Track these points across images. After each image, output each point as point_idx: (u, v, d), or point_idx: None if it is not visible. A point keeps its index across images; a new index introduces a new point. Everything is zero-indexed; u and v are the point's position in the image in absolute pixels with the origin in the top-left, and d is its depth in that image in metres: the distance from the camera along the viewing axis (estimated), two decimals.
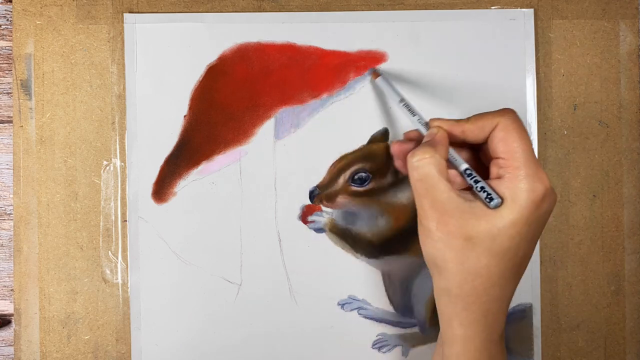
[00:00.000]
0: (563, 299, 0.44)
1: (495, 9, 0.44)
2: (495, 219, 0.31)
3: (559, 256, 0.44)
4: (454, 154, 0.35)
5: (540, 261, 0.44)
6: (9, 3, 0.45)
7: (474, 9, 0.44)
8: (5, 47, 0.45)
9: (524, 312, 0.44)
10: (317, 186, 0.44)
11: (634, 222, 0.44)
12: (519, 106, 0.44)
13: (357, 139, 0.44)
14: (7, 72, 0.45)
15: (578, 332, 0.44)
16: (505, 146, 0.32)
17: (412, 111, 0.38)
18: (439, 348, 0.36)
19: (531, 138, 0.44)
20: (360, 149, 0.44)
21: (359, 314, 0.44)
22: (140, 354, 0.43)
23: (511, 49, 0.44)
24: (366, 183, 0.44)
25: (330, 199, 0.43)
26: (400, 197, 0.44)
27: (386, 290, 0.44)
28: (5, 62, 0.45)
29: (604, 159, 0.44)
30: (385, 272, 0.44)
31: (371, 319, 0.44)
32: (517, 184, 0.32)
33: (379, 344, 0.44)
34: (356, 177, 0.44)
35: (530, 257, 0.34)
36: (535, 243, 0.33)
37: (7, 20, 0.45)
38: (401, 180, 0.44)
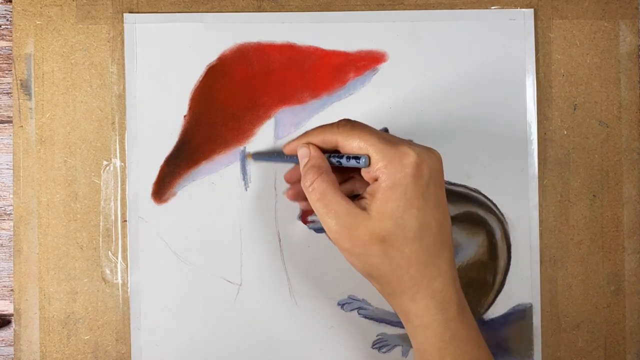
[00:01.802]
0: (563, 299, 0.44)
1: (495, 9, 0.44)
2: (394, 210, 0.33)
3: (559, 256, 0.44)
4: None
5: (540, 261, 0.44)
6: (9, 3, 0.45)
7: (474, 9, 0.44)
8: (5, 47, 0.45)
9: (524, 312, 0.44)
10: None
11: (634, 222, 0.44)
12: (519, 106, 0.44)
13: None
14: (7, 72, 0.45)
15: (578, 332, 0.44)
16: (357, 150, 0.34)
17: (284, 157, 0.40)
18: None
19: (531, 138, 0.44)
20: None
21: (359, 314, 0.44)
22: (140, 354, 0.43)
23: (511, 49, 0.44)
24: None
25: None
26: None
27: None
28: (5, 62, 0.45)
29: (604, 159, 0.44)
30: None
31: (371, 319, 0.44)
32: (389, 172, 0.33)
33: (379, 344, 0.44)
34: None
35: (448, 222, 0.35)
36: (444, 205, 0.34)
37: (7, 20, 0.45)
38: None
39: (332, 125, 0.36)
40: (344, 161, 0.34)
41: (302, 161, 0.36)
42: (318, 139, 0.36)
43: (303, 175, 0.35)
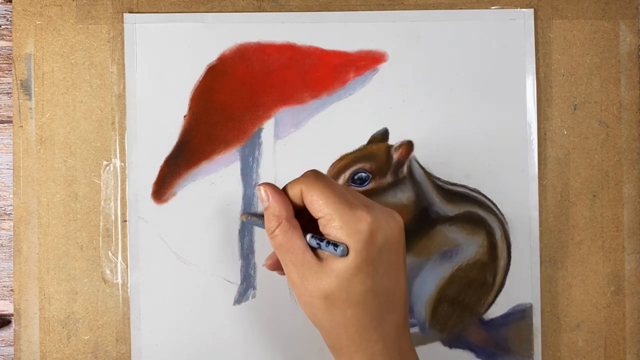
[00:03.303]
0: (563, 299, 0.44)
1: (495, 9, 0.44)
2: (342, 271, 0.32)
3: (559, 256, 0.44)
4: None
5: (540, 261, 0.44)
6: (9, 3, 0.45)
7: (474, 9, 0.44)
8: (5, 47, 0.45)
9: (524, 312, 0.44)
10: None
11: (634, 222, 0.44)
12: (519, 106, 0.44)
13: (357, 139, 0.44)
14: (7, 72, 0.45)
15: (578, 332, 0.44)
16: (313, 207, 0.34)
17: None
18: None
19: (531, 138, 0.44)
20: (360, 149, 0.44)
21: None
22: (140, 354, 0.43)
23: (511, 49, 0.44)
24: (366, 183, 0.44)
25: None
26: (400, 197, 0.44)
27: None
28: (5, 62, 0.45)
29: (604, 159, 0.44)
30: None
31: None
32: (342, 234, 0.32)
33: None
34: (356, 177, 0.44)
35: (402, 287, 0.34)
36: (397, 270, 0.34)
37: (7, 20, 0.45)
38: (401, 180, 0.44)
39: (300, 177, 0.35)
40: (322, 245, 0.33)
41: (263, 204, 0.36)
42: (291, 191, 0.35)
43: (265, 220, 0.35)
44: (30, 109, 0.43)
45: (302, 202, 0.35)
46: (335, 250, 0.32)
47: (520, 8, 0.44)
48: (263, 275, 0.44)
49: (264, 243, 0.44)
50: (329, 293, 0.33)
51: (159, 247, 0.43)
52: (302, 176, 0.35)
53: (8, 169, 0.44)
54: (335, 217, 0.33)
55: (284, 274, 0.38)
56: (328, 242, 0.33)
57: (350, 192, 0.35)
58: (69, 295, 0.43)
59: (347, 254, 0.32)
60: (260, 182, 0.44)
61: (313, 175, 0.35)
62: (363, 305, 0.33)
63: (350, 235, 0.32)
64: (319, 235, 0.34)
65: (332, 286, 0.33)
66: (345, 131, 0.44)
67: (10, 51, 0.44)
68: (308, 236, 0.34)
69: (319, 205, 0.33)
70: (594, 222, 0.44)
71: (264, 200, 0.35)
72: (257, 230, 0.44)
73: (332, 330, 0.34)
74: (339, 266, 0.32)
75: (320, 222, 0.34)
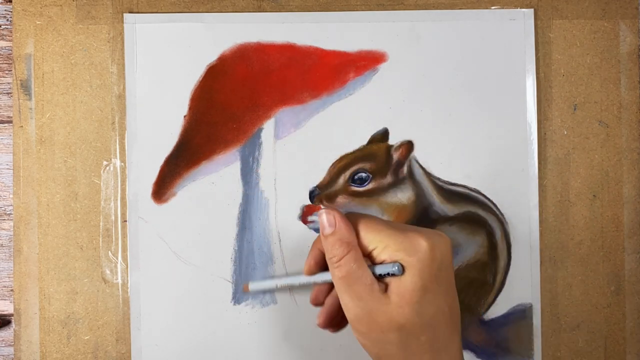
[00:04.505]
0: (563, 299, 0.44)
1: (495, 9, 0.44)
2: (411, 295, 0.32)
3: (559, 256, 0.44)
4: None
5: (540, 261, 0.44)
6: (9, 3, 0.45)
7: (474, 9, 0.44)
8: (5, 47, 0.45)
9: (524, 312, 0.44)
10: (317, 186, 0.44)
11: (634, 222, 0.44)
12: (519, 106, 0.44)
13: (357, 139, 0.44)
14: (7, 72, 0.45)
15: (578, 332, 0.44)
16: (366, 239, 0.33)
17: (292, 285, 0.39)
18: None
19: (531, 138, 0.44)
20: (360, 149, 0.44)
21: None
22: (140, 354, 0.43)
23: (511, 49, 0.44)
24: (366, 183, 0.44)
25: (330, 199, 0.44)
26: (401, 197, 0.44)
27: None
28: (5, 62, 0.45)
29: (604, 159, 0.44)
30: None
31: None
32: (401, 255, 0.32)
33: None
34: (356, 177, 0.44)
35: (457, 305, 0.34)
36: (454, 288, 0.34)
37: (7, 20, 0.45)
38: (401, 180, 0.44)
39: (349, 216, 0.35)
40: (376, 269, 0.33)
41: (325, 230, 0.34)
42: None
43: (327, 248, 0.33)
44: (30, 109, 0.43)
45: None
46: (393, 269, 0.32)
47: (520, 8, 0.44)
48: (264, 275, 0.44)
49: (264, 243, 0.44)
50: (404, 322, 0.32)
51: (159, 247, 0.43)
52: (351, 215, 0.35)
53: (8, 169, 0.44)
54: (390, 243, 0.32)
55: (336, 331, 0.37)
56: (380, 266, 0.32)
57: (394, 222, 0.34)
58: (69, 295, 0.43)
59: (404, 271, 0.32)
60: (261, 182, 0.44)
61: (352, 216, 0.34)
62: (436, 328, 0.32)
63: (410, 255, 0.32)
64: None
65: (405, 314, 0.32)
66: (345, 131, 0.44)
67: (10, 51, 0.44)
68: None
69: (372, 235, 0.33)
70: (594, 222, 0.44)
71: (330, 225, 0.33)
72: (257, 230, 0.44)
73: None
74: (406, 290, 0.32)
75: (374, 253, 0.33)
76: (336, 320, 0.37)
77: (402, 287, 0.32)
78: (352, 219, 0.34)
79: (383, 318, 0.32)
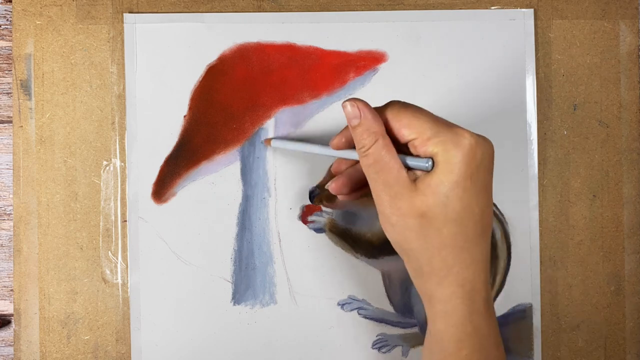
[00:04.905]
0: (563, 299, 0.44)
1: (495, 9, 0.44)
2: (439, 187, 0.31)
3: (559, 256, 0.44)
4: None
5: (540, 261, 0.44)
6: (9, 3, 0.45)
7: (474, 9, 0.44)
8: (5, 47, 0.45)
9: (524, 312, 0.44)
10: (317, 186, 0.44)
11: (634, 222, 0.44)
12: (519, 106, 0.44)
13: None
14: (7, 72, 0.45)
15: (578, 332, 0.44)
16: (409, 128, 0.32)
17: (315, 153, 0.39)
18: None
19: (531, 138, 0.44)
20: None
21: (359, 314, 0.44)
22: (140, 354, 0.43)
23: (511, 49, 0.44)
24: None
25: (330, 199, 0.43)
26: None
27: (386, 291, 0.44)
28: (5, 62, 0.45)
29: (604, 159, 0.44)
30: (385, 272, 0.44)
31: (371, 319, 0.44)
32: (442, 148, 0.31)
33: (379, 344, 0.44)
34: None
35: (491, 211, 0.33)
36: (489, 194, 0.33)
37: (7, 20, 0.45)
38: None
39: (381, 106, 0.34)
40: (407, 161, 0.33)
41: (352, 122, 0.33)
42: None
43: (356, 139, 0.33)
44: (30, 109, 0.43)
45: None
46: (425, 164, 0.32)
47: (520, 8, 0.44)
48: (264, 275, 0.44)
49: (264, 243, 0.44)
50: (426, 211, 0.31)
51: (159, 247, 0.43)
52: (385, 105, 0.34)
53: (8, 169, 0.44)
54: (432, 135, 0.32)
55: (348, 197, 0.38)
56: (413, 157, 0.32)
57: (435, 115, 0.34)
58: (69, 295, 0.43)
59: (433, 167, 0.32)
60: (261, 182, 0.44)
61: (399, 102, 0.34)
62: (460, 224, 0.32)
63: (451, 148, 0.31)
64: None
65: (428, 203, 0.31)
66: None
67: (10, 51, 0.44)
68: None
69: (415, 125, 0.32)
70: (593, 222, 0.44)
71: (356, 117, 0.33)
72: (257, 230, 0.44)
73: (423, 252, 0.32)
74: (434, 181, 0.31)
75: (414, 143, 0.32)
76: (347, 189, 0.38)
77: (431, 178, 0.32)
78: (394, 111, 0.33)
79: (407, 203, 0.32)
